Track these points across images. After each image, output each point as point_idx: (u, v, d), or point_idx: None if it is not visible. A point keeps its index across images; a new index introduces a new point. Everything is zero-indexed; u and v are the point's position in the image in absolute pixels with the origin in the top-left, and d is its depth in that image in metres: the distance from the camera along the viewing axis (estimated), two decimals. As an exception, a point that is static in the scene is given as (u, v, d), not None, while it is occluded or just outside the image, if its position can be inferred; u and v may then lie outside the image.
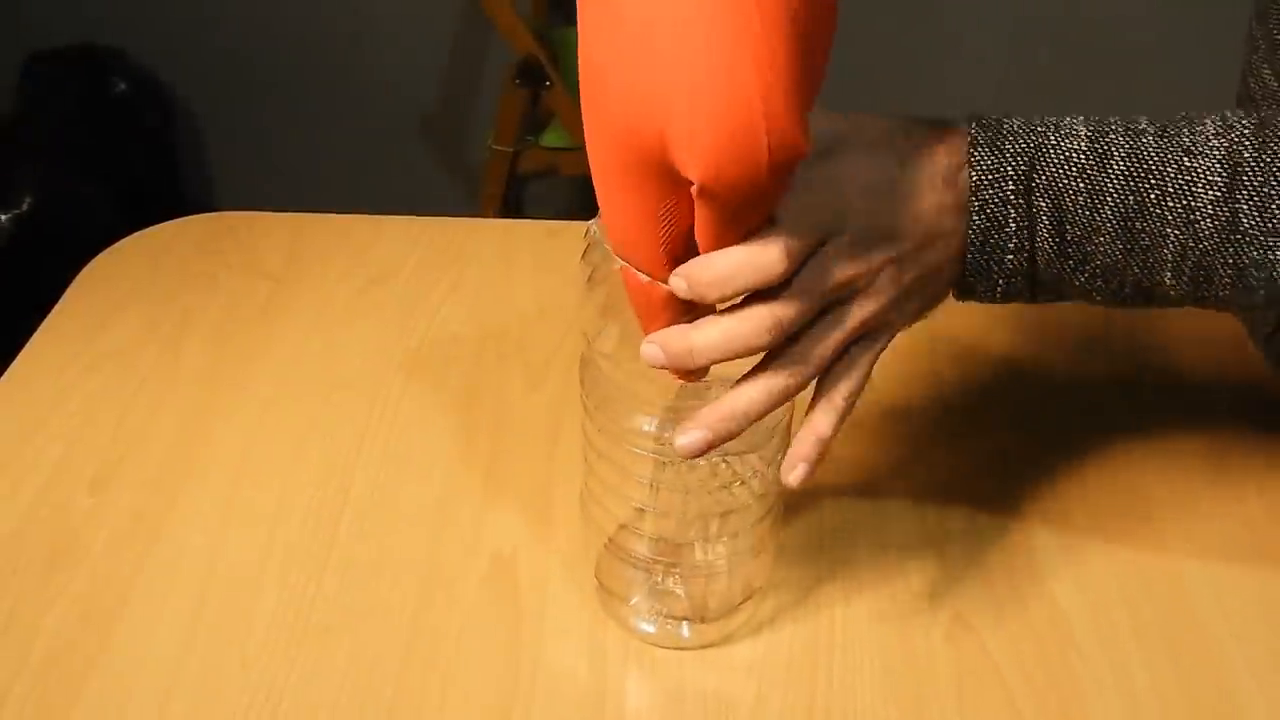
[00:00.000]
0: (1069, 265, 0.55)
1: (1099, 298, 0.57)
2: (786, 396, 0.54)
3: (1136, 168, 0.53)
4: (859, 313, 0.54)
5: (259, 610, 0.68)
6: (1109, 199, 0.53)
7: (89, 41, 2.11)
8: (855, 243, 0.53)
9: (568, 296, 0.91)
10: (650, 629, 0.66)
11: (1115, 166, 0.53)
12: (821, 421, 0.56)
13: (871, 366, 0.57)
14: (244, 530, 0.73)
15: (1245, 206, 0.52)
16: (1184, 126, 0.54)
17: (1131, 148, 0.53)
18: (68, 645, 0.66)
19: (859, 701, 0.63)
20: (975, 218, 0.54)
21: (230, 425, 0.80)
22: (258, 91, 2.23)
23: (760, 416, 0.54)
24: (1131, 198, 0.53)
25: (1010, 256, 0.55)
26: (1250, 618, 0.68)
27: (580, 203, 2.28)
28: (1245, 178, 0.52)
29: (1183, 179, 0.53)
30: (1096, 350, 0.87)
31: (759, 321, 0.52)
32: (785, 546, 0.71)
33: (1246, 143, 0.52)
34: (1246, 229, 0.52)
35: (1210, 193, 0.52)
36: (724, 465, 0.61)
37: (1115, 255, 0.54)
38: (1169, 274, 0.54)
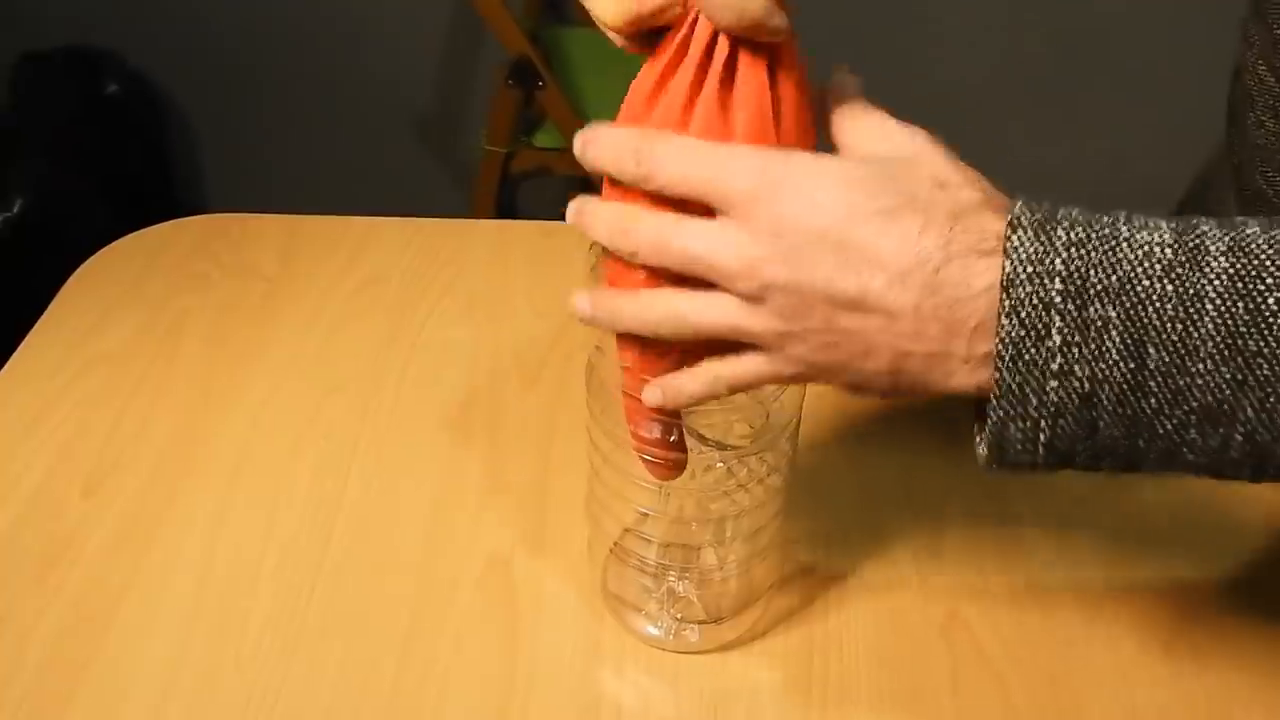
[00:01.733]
0: (1149, 404, 0.41)
1: (1190, 462, 0.42)
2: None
3: (1245, 266, 0.39)
4: (726, 317, 0.46)
5: (254, 612, 0.68)
6: (1208, 308, 0.39)
7: (81, 43, 2.10)
8: (749, 239, 0.44)
9: (563, 297, 0.91)
10: (659, 634, 0.66)
11: (1215, 264, 0.40)
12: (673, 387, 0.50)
13: (739, 384, 0.49)
14: (239, 532, 0.73)
15: None
16: None
17: (1234, 241, 0.40)
18: (62, 648, 0.66)
19: (856, 698, 0.63)
20: (1005, 322, 0.41)
21: (225, 427, 0.80)
22: (251, 93, 2.22)
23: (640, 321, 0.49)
24: (1241, 305, 0.39)
25: (1054, 384, 0.41)
26: (1245, 616, 0.68)
27: (574, 203, 2.28)
28: None
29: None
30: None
31: (615, 209, 0.49)
32: (780, 545, 0.71)
33: None
34: None
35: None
36: (733, 467, 0.61)
37: (1220, 390, 0.40)
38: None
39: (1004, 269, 0.41)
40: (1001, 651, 0.66)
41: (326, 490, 0.75)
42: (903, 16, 2.06)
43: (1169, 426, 0.41)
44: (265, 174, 2.32)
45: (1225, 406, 0.40)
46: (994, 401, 0.42)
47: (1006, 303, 0.41)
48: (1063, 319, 0.40)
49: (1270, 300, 0.39)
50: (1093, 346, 0.40)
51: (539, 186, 2.22)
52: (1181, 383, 0.40)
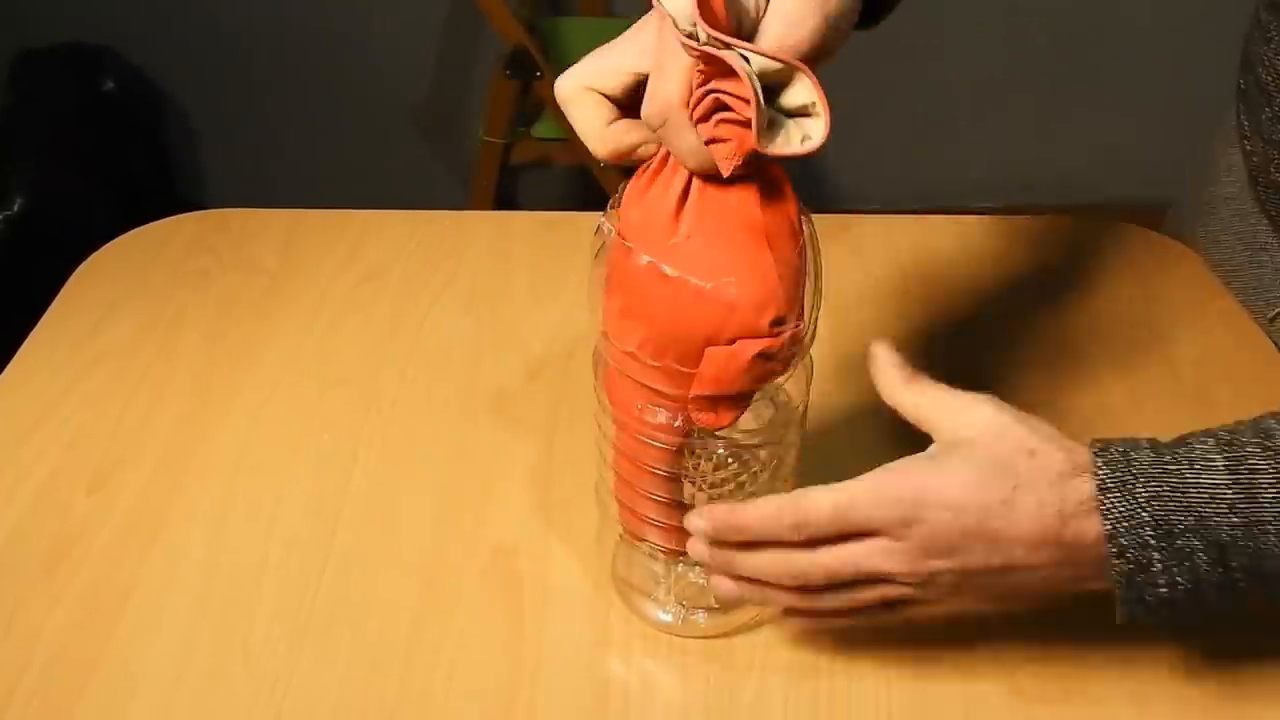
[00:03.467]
0: (1239, 586, 0.53)
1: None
2: (809, 610, 0.60)
3: None
4: (900, 592, 0.57)
5: (260, 607, 0.68)
6: (1270, 527, 0.51)
7: (79, 40, 2.10)
8: (913, 550, 0.55)
9: (564, 287, 0.91)
10: (669, 619, 0.66)
11: (1268, 495, 0.51)
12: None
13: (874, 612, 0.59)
14: (244, 526, 0.73)
15: None
16: None
17: (1274, 450, 0.52)
18: (70, 645, 0.66)
19: (862, 689, 0.64)
20: (1116, 561, 0.53)
21: (228, 421, 0.80)
22: (248, 87, 2.22)
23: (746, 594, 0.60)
24: None
25: (1164, 587, 0.53)
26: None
27: (573, 193, 2.28)
28: None
29: None
30: (1101, 354, 0.86)
31: (788, 569, 0.57)
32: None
33: None
34: None
35: None
36: (743, 458, 0.61)
37: None
38: None
39: (1105, 528, 0.52)
40: (1010, 638, 0.66)
41: (331, 483, 0.75)
42: (903, 16, 2.05)
43: (1260, 600, 0.54)
44: (264, 169, 2.32)
45: None
46: (1120, 605, 0.55)
47: (1113, 549, 0.53)
48: (1159, 553, 0.52)
49: None
50: (1187, 565, 0.52)
51: (538, 177, 2.22)
52: (1264, 572, 0.52)
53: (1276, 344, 0.82)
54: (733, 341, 0.53)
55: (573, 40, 1.94)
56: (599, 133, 0.54)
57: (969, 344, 0.85)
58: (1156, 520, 0.52)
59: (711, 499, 0.61)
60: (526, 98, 1.85)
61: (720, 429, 0.58)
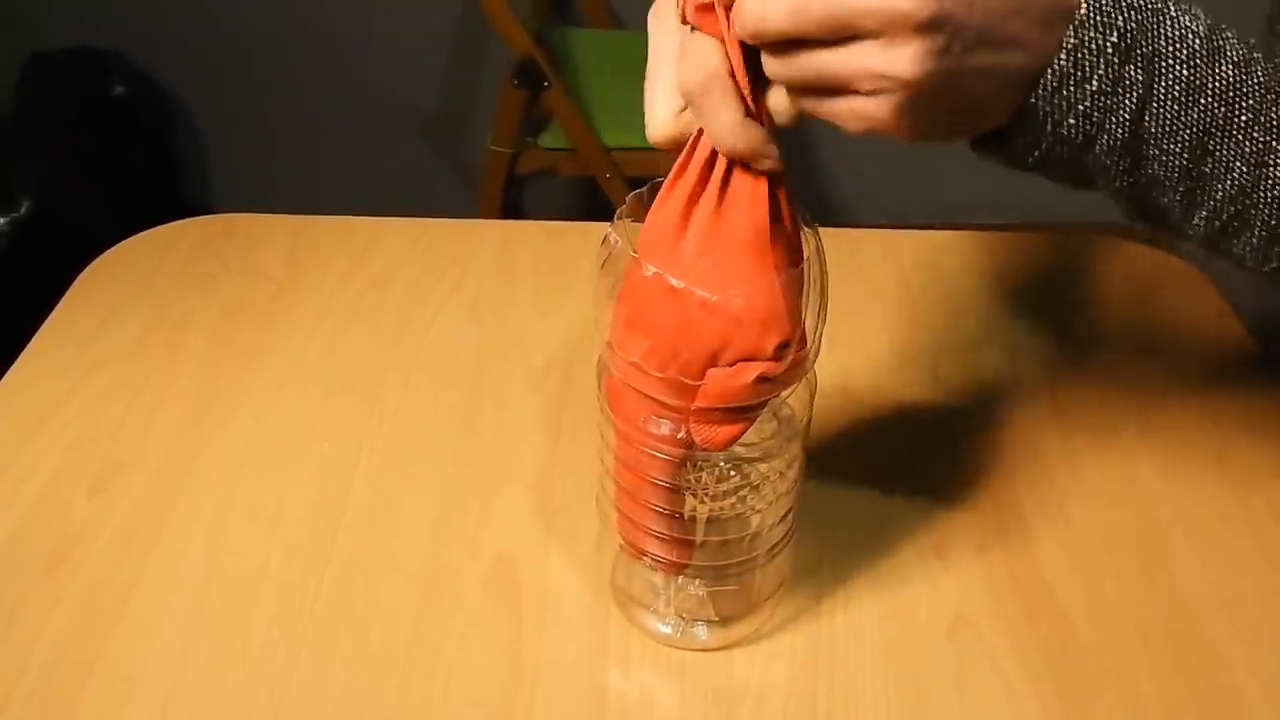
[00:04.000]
0: (1123, 162, 0.50)
1: (1119, 201, 0.52)
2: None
3: (1242, 81, 0.49)
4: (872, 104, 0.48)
5: (260, 611, 0.68)
6: (1203, 101, 0.49)
7: (87, 44, 2.11)
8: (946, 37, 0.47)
9: (568, 296, 0.91)
10: (668, 631, 0.66)
11: (1223, 70, 0.49)
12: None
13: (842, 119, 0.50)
14: (244, 531, 0.73)
15: None
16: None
17: (1242, 58, 0.49)
18: (69, 647, 0.66)
19: (861, 699, 0.63)
20: (1063, 58, 0.48)
21: (231, 426, 0.80)
22: (256, 93, 2.23)
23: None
24: (1223, 109, 0.49)
25: (1071, 122, 0.50)
26: (1253, 616, 0.68)
27: (578, 203, 2.28)
28: None
29: (1277, 117, 0.49)
30: (1100, 351, 0.87)
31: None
32: (792, 546, 0.71)
33: None
34: None
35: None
36: (746, 472, 0.61)
37: (1173, 170, 0.50)
38: (1205, 212, 0.51)
39: (1080, 9, 0.48)
40: (1008, 653, 0.66)
41: (332, 489, 0.75)
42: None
43: (1122, 182, 0.51)
44: (271, 174, 2.32)
45: (1168, 182, 0.50)
46: (1019, 112, 0.49)
47: (1070, 40, 0.48)
48: (1105, 69, 0.48)
49: (1243, 118, 0.48)
50: (1114, 101, 0.49)
51: (545, 187, 2.22)
52: (1153, 151, 0.49)
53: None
54: (737, 357, 0.53)
55: (581, 51, 1.95)
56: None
57: (972, 358, 0.85)
58: (1125, 29, 0.48)
59: (713, 512, 0.61)
60: (534, 108, 1.86)
61: (720, 449, 0.58)
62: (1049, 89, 0.49)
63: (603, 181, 1.87)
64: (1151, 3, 0.49)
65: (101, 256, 0.96)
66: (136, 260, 0.95)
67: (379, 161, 2.29)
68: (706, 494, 0.61)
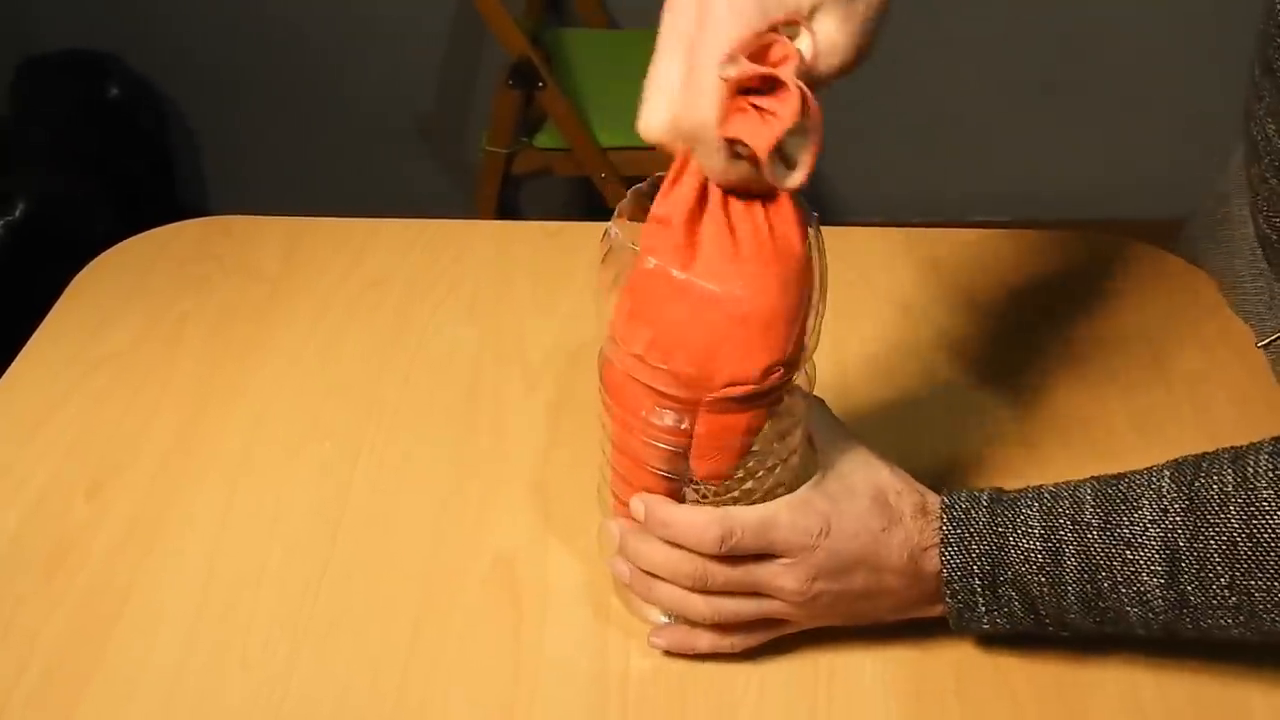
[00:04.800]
0: (1049, 629, 0.62)
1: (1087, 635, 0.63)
2: (681, 610, 0.64)
3: (1087, 563, 0.59)
4: (776, 609, 0.63)
5: (259, 613, 0.68)
6: (1069, 589, 0.59)
7: (83, 46, 2.10)
8: (809, 572, 0.61)
9: (566, 296, 0.91)
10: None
11: (1069, 563, 0.59)
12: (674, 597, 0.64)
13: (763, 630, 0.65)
14: (243, 532, 0.73)
15: (1189, 588, 0.57)
16: (1124, 514, 0.58)
17: (1080, 544, 0.59)
18: (68, 649, 0.66)
19: (861, 699, 0.64)
20: (949, 600, 0.62)
21: (228, 428, 0.80)
22: (252, 95, 2.22)
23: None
24: (1089, 586, 0.59)
25: (987, 625, 0.62)
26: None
27: (575, 203, 2.28)
28: (1183, 564, 0.57)
29: (1128, 570, 0.58)
30: (1099, 350, 0.86)
31: (690, 570, 0.61)
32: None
33: (1180, 531, 0.57)
34: (1195, 604, 0.57)
35: (1155, 580, 0.57)
36: (746, 464, 0.61)
37: (1089, 625, 0.61)
38: (1140, 630, 0.60)
39: (942, 574, 0.61)
40: (1007, 651, 0.66)
41: (331, 490, 0.75)
42: (905, 17, 2.05)
43: (1065, 633, 0.62)
44: (267, 176, 2.32)
45: (1093, 630, 0.61)
46: (952, 626, 0.64)
47: (947, 591, 0.62)
48: (983, 598, 0.61)
49: (1105, 584, 0.59)
50: (1005, 610, 0.61)
51: (540, 187, 2.22)
52: (1064, 621, 0.61)
53: (1273, 369, 0.83)
54: (734, 354, 0.54)
55: (576, 51, 1.95)
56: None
57: (969, 357, 0.85)
58: (983, 572, 0.60)
59: (713, 504, 0.61)
60: (529, 108, 1.86)
61: (722, 479, 0.60)
62: (954, 618, 0.63)
63: (598, 181, 1.87)
64: (997, 545, 0.60)
65: (98, 258, 0.96)
66: (133, 262, 0.95)
67: (375, 162, 2.29)
68: (708, 486, 0.61)
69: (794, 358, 0.56)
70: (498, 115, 1.87)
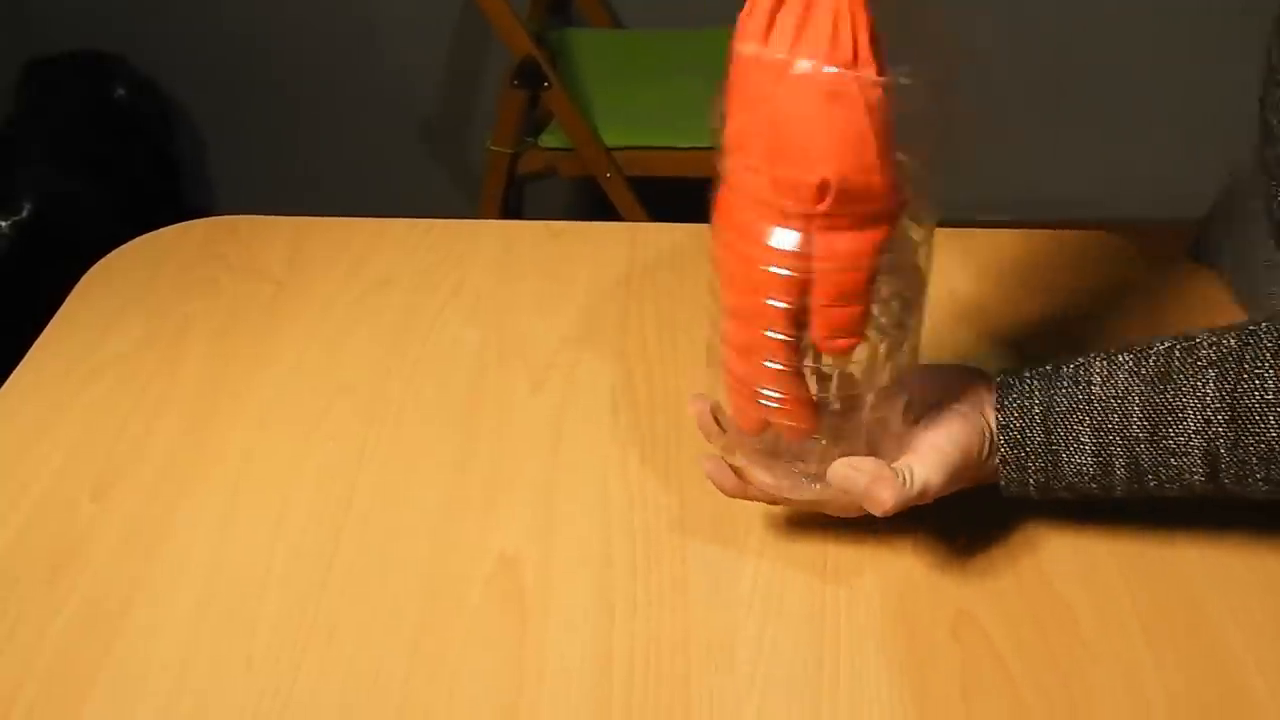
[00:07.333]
0: (1095, 504, 0.68)
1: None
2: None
3: (1135, 471, 0.65)
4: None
5: (263, 615, 0.68)
6: (1118, 489, 0.66)
7: (89, 47, 2.11)
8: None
9: (570, 296, 0.91)
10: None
11: (1119, 473, 0.65)
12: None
13: None
14: (247, 534, 0.73)
15: (1228, 481, 0.63)
16: (1170, 425, 0.63)
17: (1129, 456, 0.64)
18: (72, 651, 0.66)
19: (865, 697, 0.63)
20: (1005, 491, 0.68)
21: (233, 429, 0.80)
22: (258, 96, 2.23)
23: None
24: (1136, 485, 0.65)
25: (1036, 500, 0.68)
26: (1257, 611, 0.68)
27: (579, 203, 2.28)
28: (1223, 466, 0.62)
29: (1172, 473, 0.64)
30: (1102, 346, 0.86)
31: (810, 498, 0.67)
32: (788, 546, 0.71)
33: (1221, 440, 0.62)
34: (1232, 491, 0.64)
35: (1196, 477, 0.64)
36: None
37: (1134, 500, 0.67)
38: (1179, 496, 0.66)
39: (1001, 484, 0.68)
40: (1012, 649, 0.65)
41: (335, 492, 0.75)
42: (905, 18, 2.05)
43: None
44: (272, 177, 2.32)
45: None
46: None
47: (1005, 493, 0.68)
48: (1037, 497, 0.68)
49: (1151, 485, 0.65)
50: (1055, 500, 0.68)
51: (545, 187, 2.22)
52: (1109, 499, 0.67)
53: None
54: (828, 143, 0.55)
55: (581, 51, 1.95)
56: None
57: (971, 357, 0.85)
58: (1038, 484, 0.67)
59: (836, 394, 0.63)
60: (534, 108, 1.85)
61: (846, 340, 0.61)
62: (1011, 491, 0.68)
63: (603, 181, 1.87)
64: (1048, 458, 0.66)
65: (104, 259, 0.96)
66: (139, 263, 0.96)
67: (380, 163, 2.29)
68: (828, 365, 0.63)
69: (895, 180, 0.57)
70: (502, 115, 1.87)
